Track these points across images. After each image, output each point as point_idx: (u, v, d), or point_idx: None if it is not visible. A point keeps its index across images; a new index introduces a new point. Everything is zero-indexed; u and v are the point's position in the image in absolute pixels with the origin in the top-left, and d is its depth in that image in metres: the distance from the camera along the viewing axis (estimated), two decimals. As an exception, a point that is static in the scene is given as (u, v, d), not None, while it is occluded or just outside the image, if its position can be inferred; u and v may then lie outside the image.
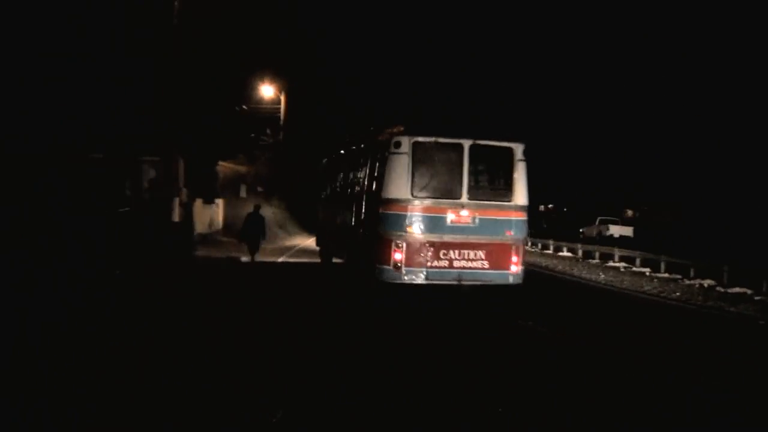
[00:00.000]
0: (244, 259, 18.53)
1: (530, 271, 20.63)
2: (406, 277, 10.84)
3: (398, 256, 10.78)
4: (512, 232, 11.26)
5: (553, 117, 78.19)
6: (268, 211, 29.78)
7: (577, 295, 16.60)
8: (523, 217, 11.46)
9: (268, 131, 53.53)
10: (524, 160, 11.38)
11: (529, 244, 34.46)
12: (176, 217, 19.69)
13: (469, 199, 11.03)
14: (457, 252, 11.00)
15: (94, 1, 19.69)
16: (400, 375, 7.21)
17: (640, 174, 60.63)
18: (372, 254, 11.38)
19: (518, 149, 11.36)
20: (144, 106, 20.21)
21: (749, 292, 16.71)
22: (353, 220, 13.05)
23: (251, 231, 17.32)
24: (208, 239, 24.72)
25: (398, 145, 10.89)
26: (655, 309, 14.44)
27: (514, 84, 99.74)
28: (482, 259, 11.09)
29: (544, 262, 25.60)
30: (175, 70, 18.68)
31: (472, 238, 11.04)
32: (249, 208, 19.06)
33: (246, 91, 45.94)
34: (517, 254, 11.27)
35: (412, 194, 10.83)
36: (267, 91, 48.16)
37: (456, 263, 10.98)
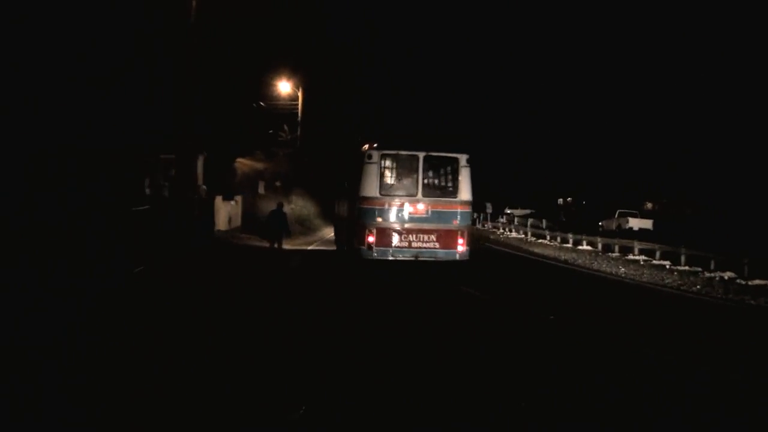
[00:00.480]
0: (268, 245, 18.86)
1: (548, 265, 20.64)
2: (375, 254, 14.34)
3: (371, 239, 14.29)
4: (458, 221, 14.63)
5: (574, 110, 77.75)
6: (287, 208, 30.27)
7: (594, 288, 16.54)
8: (467, 209, 14.90)
9: (285, 127, 53.72)
10: (468, 166, 14.67)
11: (548, 237, 34.48)
12: (196, 213, 19.87)
13: (424, 196, 14.47)
14: (414, 236, 14.37)
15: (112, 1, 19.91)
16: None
17: (660, 167, 60.14)
18: (355, 238, 15.00)
19: (462, 158, 14.69)
20: (163, 104, 20.42)
21: (771, 284, 16.58)
22: (348, 213, 16.56)
23: (274, 227, 17.72)
24: (227, 236, 24.91)
25: (370, 156, 14.44)
26: (675, 302, 14.37)
27: (534, 78, 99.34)
28: (434, 241, 14.43)
29: (563, 255, 25.50)
30: (193, 68, 18.83)
31: (426, 226, 14.42)
32: (268, 205, 19.47)
33: (263, 87, 46.13)
34: (463, 237, 14.56)
35: (380, 193, 14.35)
36: (284, 87, 48.25)
37: (414, 244, 14.37)
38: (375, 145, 14.75)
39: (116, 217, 15.61)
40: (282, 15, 43.29)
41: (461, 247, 14.50)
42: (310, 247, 26.17)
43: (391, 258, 14.38)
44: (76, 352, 7.48)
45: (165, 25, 20.17)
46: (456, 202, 14.64)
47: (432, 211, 14.51)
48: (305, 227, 35.20)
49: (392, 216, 14.41)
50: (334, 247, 21.04)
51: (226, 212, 26.34)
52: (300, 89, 48.88)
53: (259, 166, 48.75)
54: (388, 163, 14.62)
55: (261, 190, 39.20)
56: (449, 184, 14.91)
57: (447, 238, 14.48)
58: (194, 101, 19.03)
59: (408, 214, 14.42)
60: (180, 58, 18.86)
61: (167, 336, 8.57)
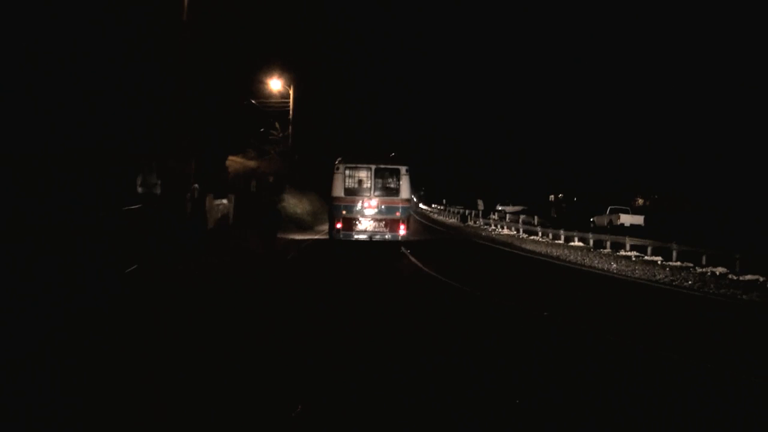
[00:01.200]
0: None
1: (540, 261, 20.73)
2: (342, 236, 20.47)
3: (339, 225, 20.38)
4: (400, 213, 20.43)
5: (566, 107, 77.94)
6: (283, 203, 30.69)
7: (587, 284, 16.60)
8: (407, 204, 20.83)
9: (277, 125, 53.57)
10: (407, 174, 20.54)
11: (540, 234, 34.57)
12: (188, 212, 19.80)
13: (376, 195, 20.37)
14: (369, 223, 20.37)
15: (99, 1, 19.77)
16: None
17: (651, 163, 60.34)
18: (331, 226, 21.24)
19: (403, 168, 20.58)
20: (155, 102, 20.31)
21: (761, 279, 16.68)
22: (328, 209, 22.72)
23: (266, 222, 19.22)
24: (220, 234, 24.83)
25: (338, 168, 20.44)
26: (668, 297, 14.43)
27: (526, 75, 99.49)
28: (383, 227, 20.38)
29: (555, 252, 25.57)
30: (186, 66, 18.76)
31: (377, 216, 20.34)
32: (261, 203, 20.04)
33: (255, 85, 46.01)
34: (404, 224, 20.45)
35: (344, 194, 20.28)
36: (275, 84, 48.11)
37: (369, 229, 20.38)
38: (340, 159, 20.67)
39: (108, 217, 15.53)
40: (272, 11, 43.18)
41: (402, 231, 20.49)
42: (316, 237, 27.09)
43: (354, 239, 20.49)
44: (68, 354, 7.45)
45: (157, 23, 20.07)
46: (398, 200, 20.50)
47: (382, 206, 20.36)
48: (297, 225, 35.09)
49: (354, 210, 20.34)
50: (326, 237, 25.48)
51: (218, 210, 26.25)
52: (291, 87, 48.74)
53: (251, 164, 48.69)
54: (349, 172, 20.44)
55: (253, 188, 39.12)
56: (393, 186, 20.54)
57: (392, 224, 20.43)
58: (187, 99, 18.97)
59: (365, 209, 20.34)
60: (173, 56, 18.79)
61: (161, 336, 8.55)
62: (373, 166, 20.40)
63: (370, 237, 20.29)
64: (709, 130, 54.16)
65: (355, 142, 59.31)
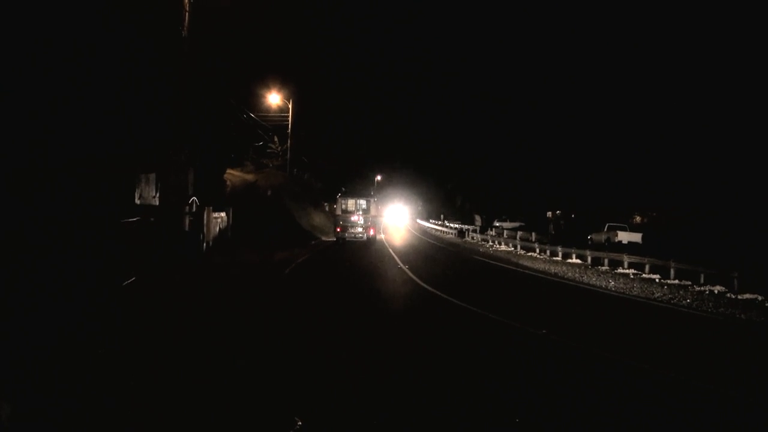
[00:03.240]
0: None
1: (538, 278, 20.70)
2: (338, 237, 36.44)
3: (338, 230, 36.55)
4: (369, 223, 36.48)
5: (563, 123, 78.14)
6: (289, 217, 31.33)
7: (585, 302, 16.56)
8: (377, 217, 38.47)
9: (275, 139, 53.63)
10: (376, 201, 38.88)
11: (537, 250, 34.61)
12: (186, 225, 19.76)
13: (357, 213, 36.61)
14: (354, 228, 36.21)
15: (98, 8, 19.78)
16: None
17: (649, 181, 60.42)
18: (334, 229, 37.86)
19: (372, 199, 38.17)
20: (154, 115, 20.31)
21: (760, 298, 16.67)
22: (333, 221, 40.46)
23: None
24: (218, 247, 24.80)
25: (338, 199, 38.23)
26: (667, 316, 14.40)
27: (523, 92, 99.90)
28: (361, 231, 36.23)
29: (552, 269, 25.53)
30: (185, 80, 18.80)
31: (358, 224, 36.26)
32: (259, 216, 19.67)
33: (254, 99, 46.12)
34: (373, 228, 36.72)
35: (341, 212, 37.00)
36: (274, 99, 48.24)
37: (354, 231, 36.26)
38: (339, 195, 38.15)
39: (105, 230, 15.47)
40: (273, 26, 43.33)
41: (371, 232, 36.55)
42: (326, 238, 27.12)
43: (346, 239, 36.00)
44: (65, 366, 7.39)
45: (156, 31, 20.10)
46: (369, 216, 36.63)
47: (360, 219, 36.23)
48: (296, 239, 35.12)
49: (347, 221, 36.26)
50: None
51: (216, 224, 26.23)
52: (290, 101, 48.85)
53: (249, 177, 48.69)
54: (343, 201, 37.14)
55: (250, 201, 39.09)
56: (366, 208, 36.88)
57: (366, 229, 36.27)
58: (186, 112, 18.99)
59: (352, 220, 36.20)
60: (173, 70, 18.83)
61: (157, 349, 8.50)
62: (356, 198, 37.60)
63: (354, 237, 36.15)
64: (708, 147, 54.31)
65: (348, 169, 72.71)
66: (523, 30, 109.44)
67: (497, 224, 63.26)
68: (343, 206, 36.69)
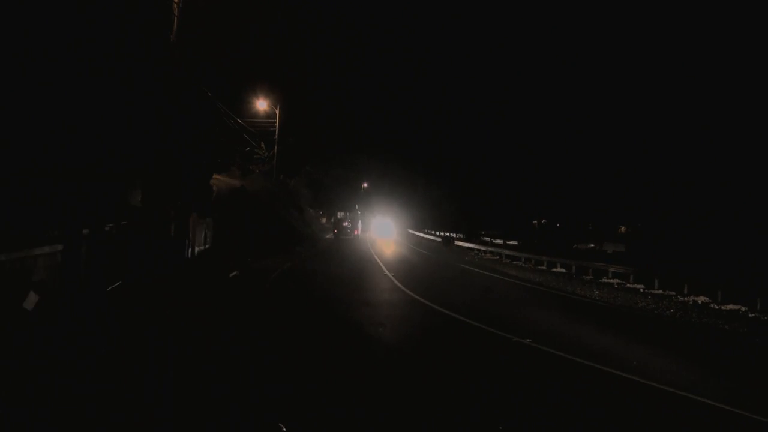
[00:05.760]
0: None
1: (523, 287, 20.71)
2: (336, 235, 59.78)
3: (336, 231, 61.06)
4: (355, 227, 66.32)
5: (548, 133, 78.48)
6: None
7: (570, 311, 16.61)
8: (359, 222, 70.45)
9: (262, 144, 53.53)
10: (359, 213, 76.81)
11: (522, 259, 34.69)
12: (172, 231, 19.63)
13: (347, 220, 65.74)
14: (345, 231, 61.53)
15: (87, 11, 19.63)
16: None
17: (634, 191, 60.86)
18: (332, 230, 63.30)
19: (357, 212, 76.04)
20: (139, 119, 20.16)
21: (743, 309, 16.79)
22: (332, 225, 68.52)
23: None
24: (204, 253, 24.67)
25: (336, 213, 71.62)
26: (651, 325, 14.47)
27: (508, 101, 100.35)
28: (350, 232, 62.70)
29: (537, 278, 25.59)
30: (172, 85, 18.71)
31: (348, 227, 63.01)
32: (245, 222, 19.65)
33: (240, 104, 45.99)
34: (357, 231, 65.84)
35: (337, 220, 65.19)
36: (261, 104, 48.18)
37: (346, 233, 61.30)
38: (338, 212, 71.12)
39: (90, 236, 15.34)
40: (260, 31, 43.24)
41: (356, 233, 64.22)
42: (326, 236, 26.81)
43: (342, 237, 57.86)
44: (52, 372, 7.32)
45: (143, 34, 19.97)
46: (357, 222, 67.70)
47: (349, 224, 63.49)
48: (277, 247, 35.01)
49: (341, 225, 62.11)
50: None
51: (202, 229, 26.08)
52: (278, 107, 48.80)
53: (236, 183, 48.45)
54: (339, 213, 69.51)
55: (237, 207, 38.92)
56: (354, 218, 68.16)
57: (352, 231, 63.24)
58: (174, 118, 18.89)
59: (344, 225, 62.38)
60: (161, 75, 18.73)
61: (145, 353, 8.43)
62: (346, 212, 66.95)
63: (346, 235, 58.28)
64: (695, 157, 54.80)
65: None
66: (502, 44, 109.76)
67: (483, 234, 63.43)
68: (339, 217, 66.02)
